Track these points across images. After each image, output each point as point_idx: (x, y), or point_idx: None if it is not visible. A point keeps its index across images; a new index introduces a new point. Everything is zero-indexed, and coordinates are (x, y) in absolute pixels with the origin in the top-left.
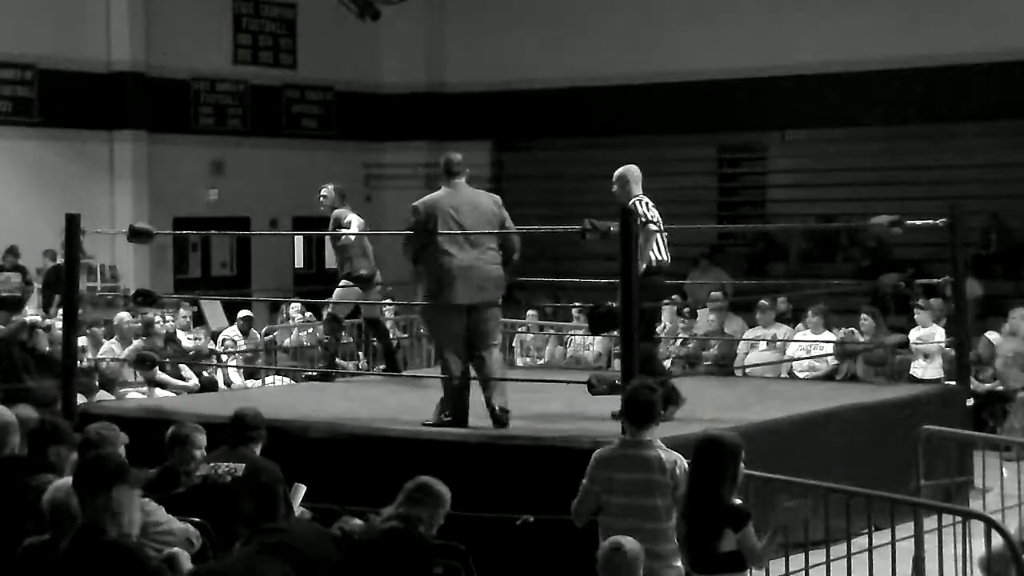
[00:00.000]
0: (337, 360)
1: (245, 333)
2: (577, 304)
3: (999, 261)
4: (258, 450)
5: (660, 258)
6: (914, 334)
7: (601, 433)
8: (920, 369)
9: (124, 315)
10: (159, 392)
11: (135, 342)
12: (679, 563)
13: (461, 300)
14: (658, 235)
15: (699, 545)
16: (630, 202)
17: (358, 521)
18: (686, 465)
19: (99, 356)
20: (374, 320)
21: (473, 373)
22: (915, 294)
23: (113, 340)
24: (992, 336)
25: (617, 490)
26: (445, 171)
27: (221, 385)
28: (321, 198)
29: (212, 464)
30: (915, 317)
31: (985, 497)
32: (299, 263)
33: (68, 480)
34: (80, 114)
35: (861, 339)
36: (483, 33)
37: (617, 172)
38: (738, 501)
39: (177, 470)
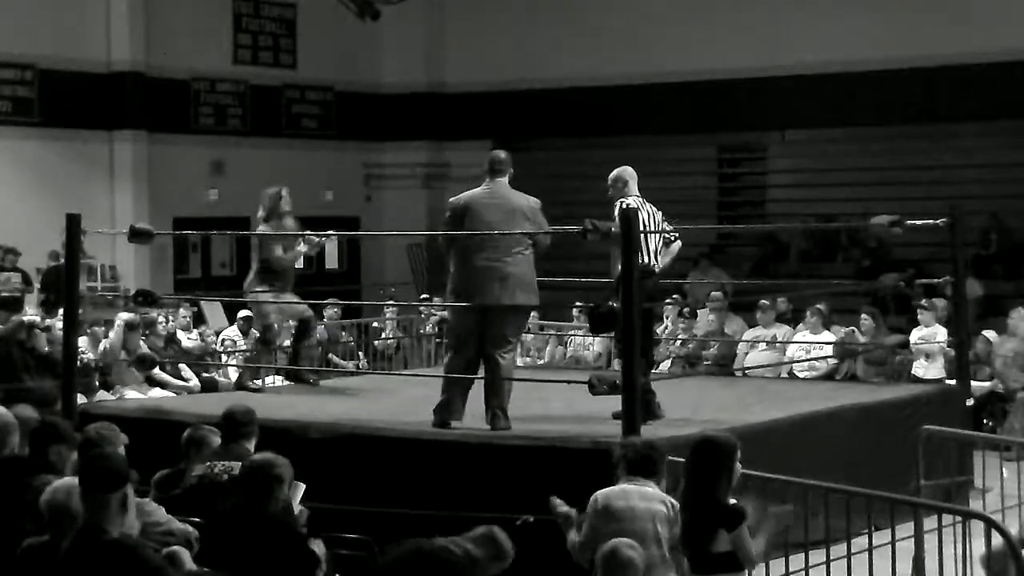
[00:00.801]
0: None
1: (245, 333)
2: (578, 304)
3: (999, 261)
4: (251, 447)
5: (645, 262)
6: (916, 334)
7: (601, 433)
8: (922, 369)
9: (125, 315)
10: (159, 392)
11: (123, 315)
12: None
13: (474, 300)
14: (646, 238)
15: (695, 546)
16: (617, 202)
17: None
18: (678, 508)
19: (97, 356)
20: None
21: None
22: (915, 294)
23: (111, 339)
24: (990, 334)
25: (615, 517)
26: (487, 169)
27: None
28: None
29: (208, 464)
30: (918, 317)
31: (985, 497)
32: (299, 263)
33: (67, 480)
34: (80, 114)
35: (861, 339)
36: (483, 33)
37: (612, 173)
38: (733, 501)
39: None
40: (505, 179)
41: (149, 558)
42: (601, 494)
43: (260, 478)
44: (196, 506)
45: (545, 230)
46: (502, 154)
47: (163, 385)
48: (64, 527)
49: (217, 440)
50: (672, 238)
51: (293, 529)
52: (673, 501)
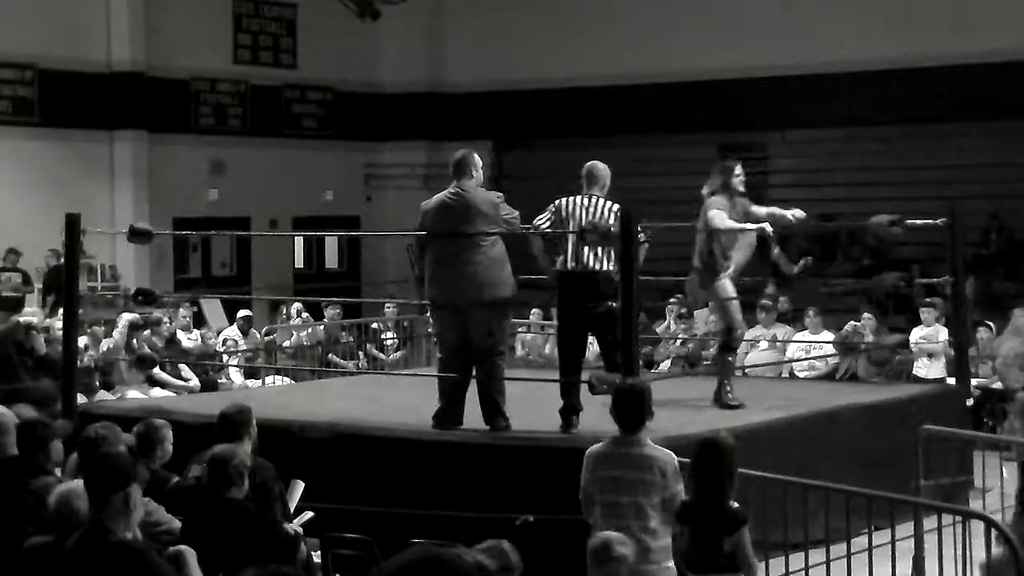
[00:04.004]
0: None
1: (245, 333)
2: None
3: (999, 261)
4: (248, 448)
5: (568, 265)
6: (918, 333)
7: (601, 433)
8: (924, 369)
9: (128, 316)
10: (159, 392)
11: (126, 316)
12: (671, 563)
13: (440, 301)
14: (565, 238)
15: (700, 547)
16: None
17: None
18: (677, 464)
19: (98, 356)
20: None
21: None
22: (915, 294)
23: (111, 339)
24: (990, 324)
25: (607, 488)
26: (451, 171)
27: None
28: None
29: (205, 464)
30: (920, 316)
31: (985, 497)
32: (299, 263)
33: (75, 483)
34: (80, 114)
35: (867, 335)
36: (483, 33)
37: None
38: (735, 505)
39: (156, 469)
40: (470, 180)
41: (156, 563)
42: (593, 456)
43: (219, 471)
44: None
45: (509, 221)
46: (463, 154)
47: (163, 385)
48: (71, 529)
49: (170, 433)
50: (640, 239)
51: (259, 514)
52: (665, 463)
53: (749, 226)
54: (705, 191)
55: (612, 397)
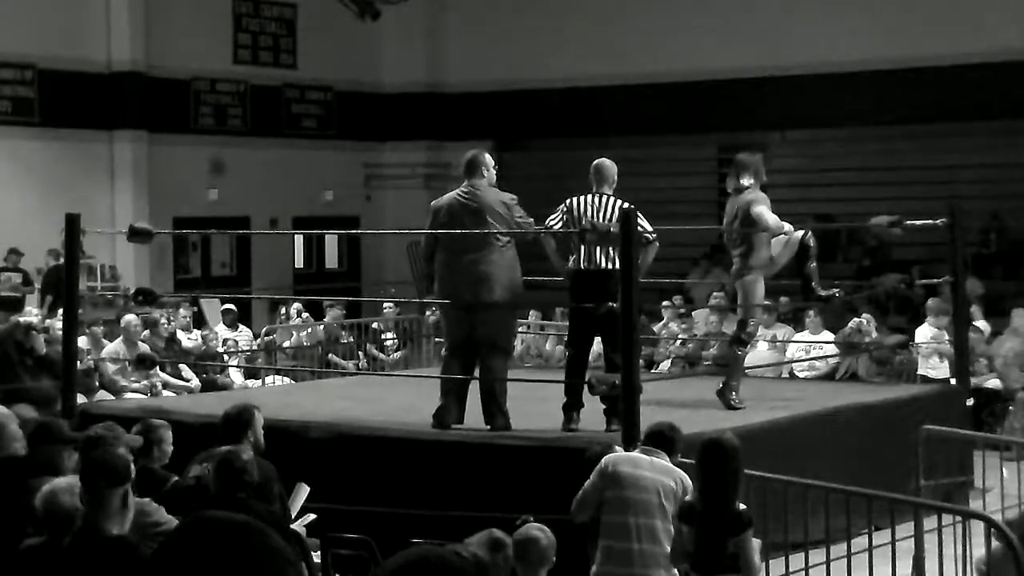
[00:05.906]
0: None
1: (233, 327)
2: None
3: (999, 261)
4: (249, 449)
5: (580, 264)
6: (927, 333)
7: (601, 433)
8: (933, 369)
9: (131, 317)
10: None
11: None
12: (673, 570)
13: (452, 300)
14: (575, 237)
15: (704, 547)
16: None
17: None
18: (690, 484)
19: (101, 357)
20: None
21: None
22: (916, 295)
23: (118, 341)
24: (981, 324)
25: (628, 485)
26: (463, 170)
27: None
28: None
29: (205, 464)
30: (927, 317)
31: (985, 497)
32: (299, 263)
33: (63, 480)
34: (80, 114)
35: (873, 333)
36: (483, 33)
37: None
38: (743, 506)
39: (155, 469)
40: (482, 180)
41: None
42: (611, 458)
43: (226, 471)
44: (191, 508)
45: (521, 223)
46: (475, 154)
47: (163, 385)
48: (61, 527)
49: (170, 433)
50: (645, 240)
51: (271, 514)
52: (683, 476)
53: (788, 227)
54: (745, 182)
55: (646, 434)
